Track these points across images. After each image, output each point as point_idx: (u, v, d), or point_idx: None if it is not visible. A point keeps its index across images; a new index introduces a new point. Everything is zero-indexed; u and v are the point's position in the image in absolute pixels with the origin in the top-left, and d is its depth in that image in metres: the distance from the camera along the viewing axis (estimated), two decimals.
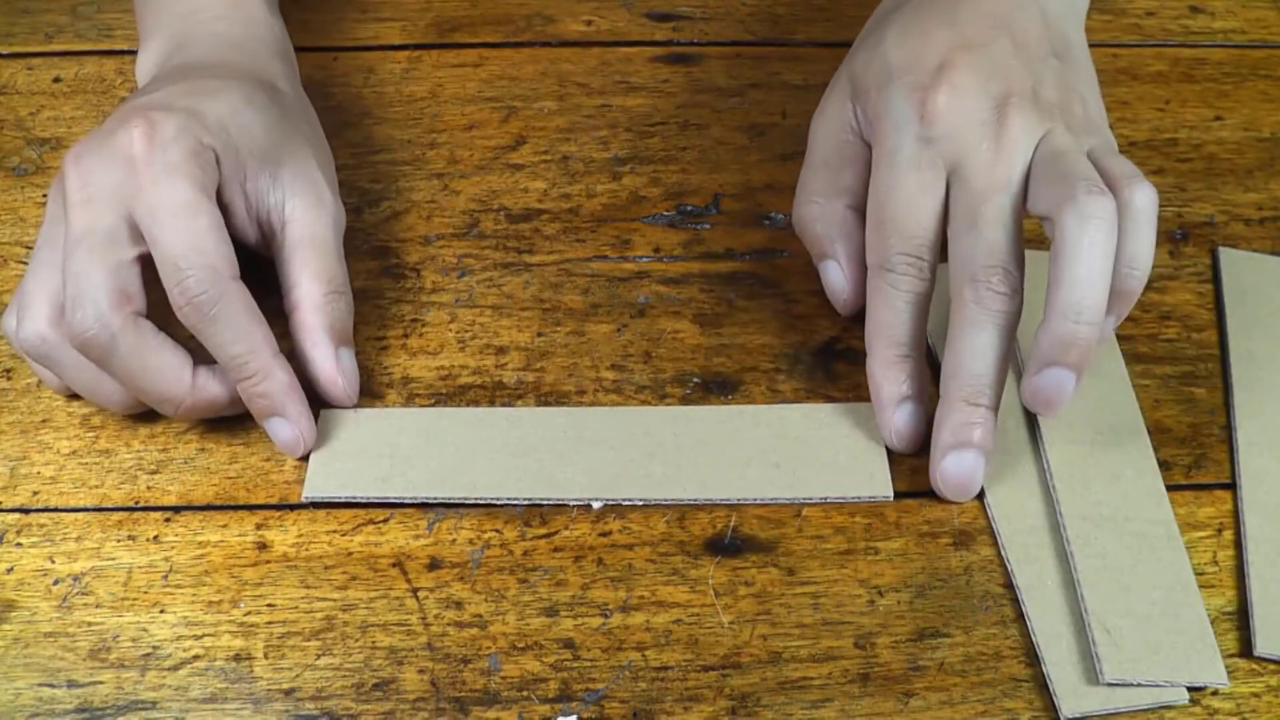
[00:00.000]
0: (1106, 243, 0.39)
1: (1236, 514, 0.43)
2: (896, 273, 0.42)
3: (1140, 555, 0.41)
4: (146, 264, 0.41)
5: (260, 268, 0.45)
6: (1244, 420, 0.45)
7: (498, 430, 0.44)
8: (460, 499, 0.43)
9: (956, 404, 0.41)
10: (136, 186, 0.40)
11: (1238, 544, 0.42)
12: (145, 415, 0.45)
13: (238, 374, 0.41)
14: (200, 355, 0.42)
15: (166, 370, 0.41)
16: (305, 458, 0.43)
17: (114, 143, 0.41)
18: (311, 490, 0.43)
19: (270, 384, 0.41)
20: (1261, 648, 0.39)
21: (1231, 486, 0.44)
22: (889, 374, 0.43)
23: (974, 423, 0.41)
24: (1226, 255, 0.50)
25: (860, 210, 0.45)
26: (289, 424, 0.42)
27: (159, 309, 0.41)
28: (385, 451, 0.44)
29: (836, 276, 0.47)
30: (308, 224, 0.44)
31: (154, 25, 0.49)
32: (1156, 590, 0.40)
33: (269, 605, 0.41)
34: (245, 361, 0.41)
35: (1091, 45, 0.47)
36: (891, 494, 0.43)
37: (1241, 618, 0.41)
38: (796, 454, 0.44)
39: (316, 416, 0.43)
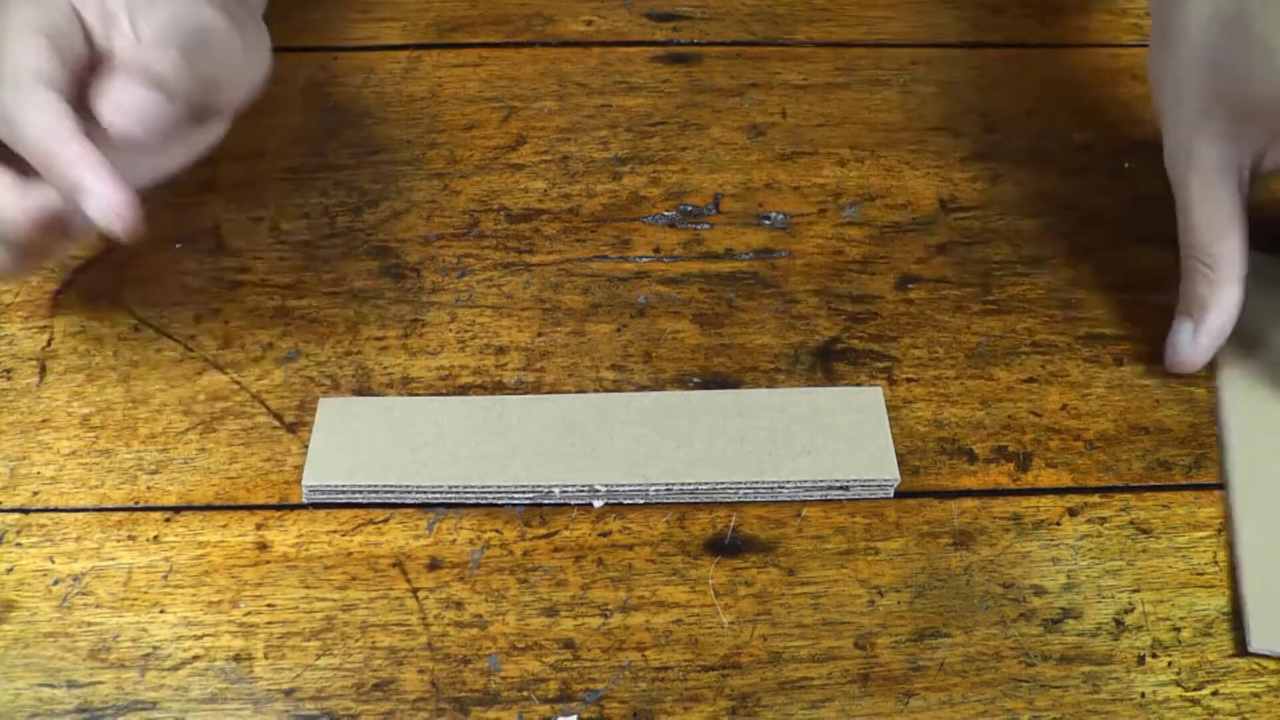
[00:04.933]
0: None
1: (1228, 511, 0.43)
2: None
3: None
4: None
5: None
6: (1234, 418, 0.45)
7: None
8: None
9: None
10: None
11: (1229, 541, 0.42)
12: (145, 415, 0.45)
13: (46, 176, 0.40)
14: None
15: None
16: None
17: None
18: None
19: (60, 165, 0.39)
20: (1256, 645, 0.39)
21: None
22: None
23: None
24: None
25: (1240, 281, 0.44)
26: (90, 197, 0.40)
27: None
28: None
29: (1187, 337, 0.45)
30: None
31: None
32: None
33: (269, 605, 0.41)
34: (41, 155, 0.40)
35: (1092, 45, 0.47)
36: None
37: (1236, 618, 0.41)
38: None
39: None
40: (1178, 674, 0.40)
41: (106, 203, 0.40)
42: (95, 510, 0.43)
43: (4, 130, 0.41)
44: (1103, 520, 0.43)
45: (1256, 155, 0.42)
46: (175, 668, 0.39)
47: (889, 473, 0.43)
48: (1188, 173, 0.44)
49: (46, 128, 0.40)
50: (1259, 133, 0.42)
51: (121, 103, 0.40)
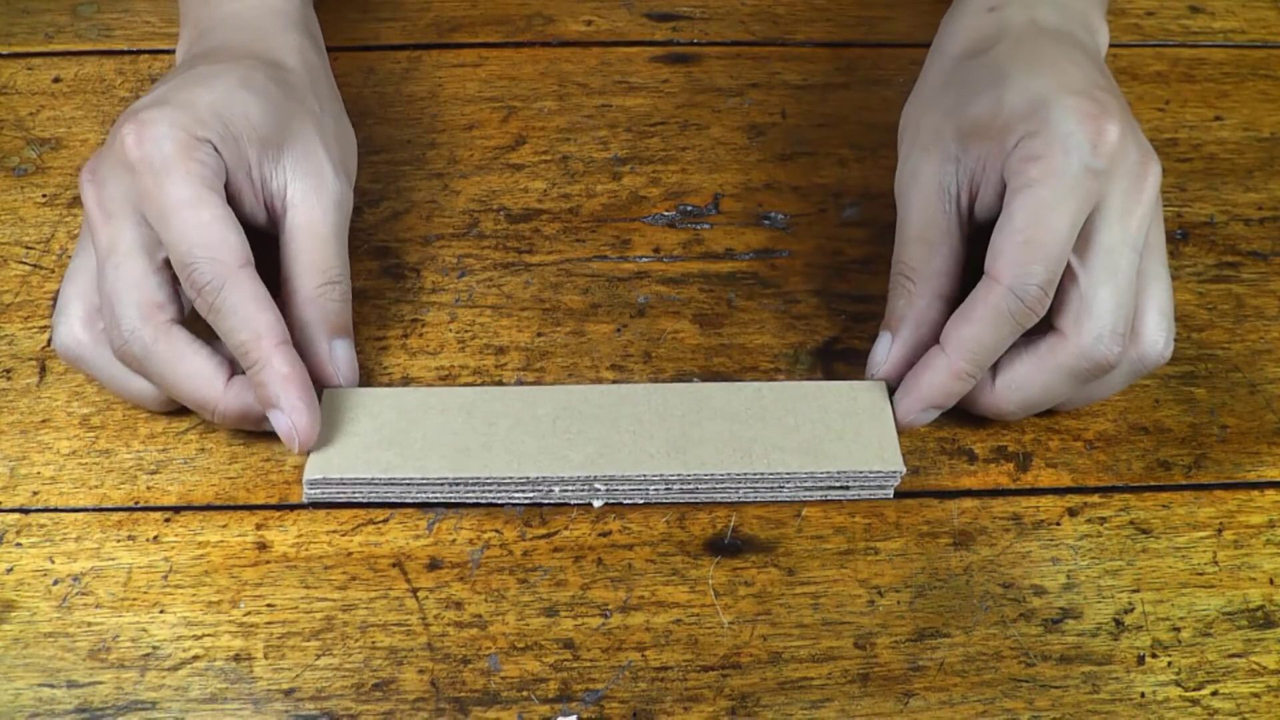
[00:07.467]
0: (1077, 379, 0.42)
1: None
2: (1024, 302, 0.40)
3: None
4: None
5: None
6: None
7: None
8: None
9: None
10: (141, 191, 0.40)
11: None
12: (145, 415, 0.45)
13: (242, 362, 0.41)
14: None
15: (198, 376, 0.41)
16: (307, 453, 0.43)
17: (113, 152, 0.41)
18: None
19: (267, 373, 0.41)
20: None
21: (1232, 486, 0.44)
22: (951, 385, 0.42)
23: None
24: None
25: (943, 297, 0.44)
26: (283, 415, 0.41)
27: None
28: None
29: (884, 350, 0.45)
30: (306, 210, 0.44)
31: (183, 13, 0.50)
32: None
33: (269, 605, 0.41)
34: (247, 350, 0.41)
35: None
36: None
37: (1233, 618, 0.41)
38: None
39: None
40: (1178, 674, 0.40)
41: (290, 431, 0.41)
42: (95, 510, 0.43)
43: (204, 313, 0.41)
44: (1102, 520, 0.43)
45: (974, 180, 0.43)
46: (175, 668, 0.39)
47: (893, 464, 0.42)
48: (909, 190, 0.45)
49: (254, 329, 0.41)
50: (977, 153, 0.43)
51: (340, 363, 0.44)
